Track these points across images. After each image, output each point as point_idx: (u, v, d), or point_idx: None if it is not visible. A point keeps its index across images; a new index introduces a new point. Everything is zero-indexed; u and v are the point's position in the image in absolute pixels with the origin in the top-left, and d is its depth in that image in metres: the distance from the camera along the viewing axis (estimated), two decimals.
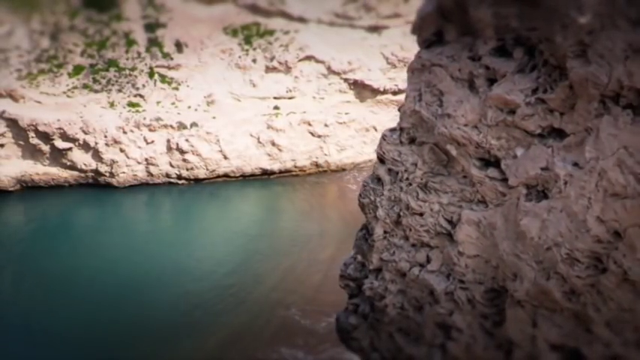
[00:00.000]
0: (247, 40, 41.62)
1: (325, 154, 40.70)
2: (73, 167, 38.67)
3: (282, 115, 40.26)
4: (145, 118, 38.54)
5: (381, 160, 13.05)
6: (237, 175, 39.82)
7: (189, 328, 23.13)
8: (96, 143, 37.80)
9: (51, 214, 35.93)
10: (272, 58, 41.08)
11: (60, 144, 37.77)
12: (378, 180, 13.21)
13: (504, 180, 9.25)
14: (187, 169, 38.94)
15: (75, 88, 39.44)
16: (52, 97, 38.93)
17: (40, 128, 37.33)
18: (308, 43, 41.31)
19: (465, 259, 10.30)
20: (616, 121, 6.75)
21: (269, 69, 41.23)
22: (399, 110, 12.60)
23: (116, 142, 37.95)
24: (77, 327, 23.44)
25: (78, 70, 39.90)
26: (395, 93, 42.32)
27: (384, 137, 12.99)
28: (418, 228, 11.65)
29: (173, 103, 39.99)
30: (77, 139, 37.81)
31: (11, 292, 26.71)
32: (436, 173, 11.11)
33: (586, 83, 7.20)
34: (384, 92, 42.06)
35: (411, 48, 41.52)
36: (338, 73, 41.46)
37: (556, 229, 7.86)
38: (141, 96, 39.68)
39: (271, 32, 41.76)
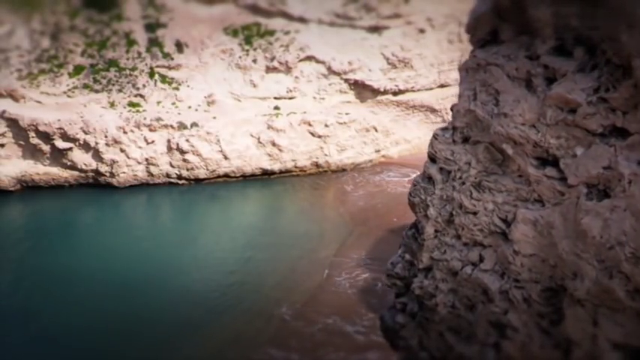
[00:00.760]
0: (248, 41, 41.64)
1: (325, 155, 40.70)
2: (73, 167, 38.69)
3: (283, 116, 40.27)
4: (145, 118, 38.55)
5: (433, 159, 13.11)
6: (238, 175, 39.83)
7: (189, 328, 23.13)
8: (96, 143, 37.81)
9: (51, 214, 35.94)
10: (272, 59, 41.09)
11: (60, 144, 37.78)
12: (429, 179, 13.27)
13: (563, 179, 9.24)
14: (188, 169, 38.95)
15: (75, 88, 39.46)
16: (52, 97, 38.95)
17: (41, 128, 37.34)
18: (308, 43, 41.32)
19: (521, 258, 10.30)
20: None
21: (269, 69, 41.24)
22: (451, 110, 12.63)
23: (116, 142, 37.97)
24: (77, 327, 23.44)
25: (78, 70, 39.93)
26: (395, 93, 42.33)
27: (435, 136, 13.05)
28: (471, 227, 11.68)
29: (173, 103, 40.01)
30: (77, 139, 37.83)
31: (11, 292, 26.70)
32: (490, 172, 11.14)
33: None
34: (385, 92, 42.05)
35: (411, 48, 41.70)
36: (338, 74, 41.46)
37: (619, 228, 7.84)
38: (141, 96, 39.70)
39: (272, 32, 41.77)
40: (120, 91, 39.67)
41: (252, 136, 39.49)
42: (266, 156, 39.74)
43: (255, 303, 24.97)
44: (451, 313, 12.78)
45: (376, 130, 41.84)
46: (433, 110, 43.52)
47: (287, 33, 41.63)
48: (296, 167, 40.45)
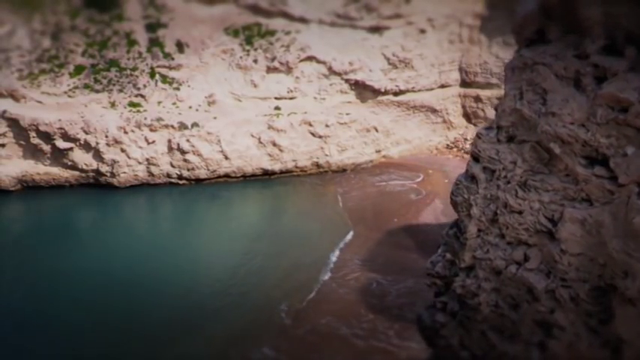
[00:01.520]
0: (248, 41, 41.65)
1: (326, 155, 40.70)
2: (73, 167, 38.71)
3: (283, 116, 40.28)
4: (145, 118, 38.57)
5: (476, 158, 13.14)
6: (238, 175, 39.83)
7: (189, 328, 23.14)
8: (97, 143, 37.84)
9: (52, 214, 35.94)
10: (273, 59, 41.10)
11: (61, 144, 37.81)
12: (472, 178, 13.30)
13: (612, 178, 9.21)
14: (188, 170, 38.96)
15: (76, 88, 39.50)
16: (53, 97, 38.99)
17: (41, 128, 37.37)
18: (309, 43, 41.33)
19: (568, 257, 10.29)
20: None
21: (270, 69, 41.26)
22: (495, 109, 12.64)
23: (117, 142, 37.98)
24: (77, 326, 23.44)
25: (79, 70, 39.96)
26: (396, 94, 42.34)
27: (479, 135, 13.07)
28: (516, 226, 11.69)
29: (174, 104, 40.03)
30: (78, 139, 37.85)
31: (11, 292, 26.71)
32: (537, 171, 11.15)
33: None
34: (385, 93, 42.06)
35: (412, 48, 41.71)
36: (339, 74, 41.47)
37: None
38: (142, 96, 39.72)
39: (272, 32, 41.78)
40: (120, 91, 39.70)
41: (252, 136, 39.50)
42: (267, 156, 39.74)
43: (255, 303, 24.96)
44: (494, 312, 12.78)
45: (377, 131, 41.84)
46: (434, 110, 43.52)
47: (288, 33, 41.64)
48: (297, 167, 40.45)
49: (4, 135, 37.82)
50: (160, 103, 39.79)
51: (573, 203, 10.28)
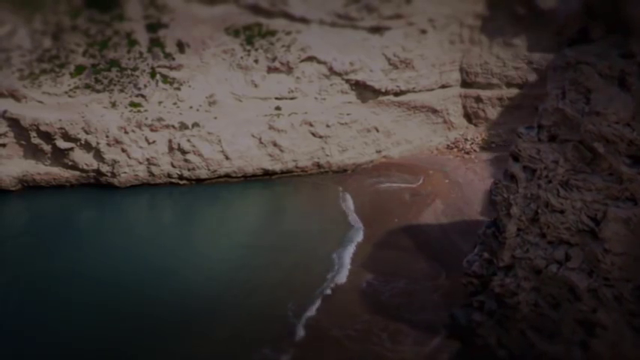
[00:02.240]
0: (249, 41, 41.62)
1: (327, 155, 40.67)
2: (74, 167, 38.70)
3: (284, 116, 40.25)
4: (146, 118, 38.56)
5: (515, 157, 13.12)
6: (239, 175, 39.80)
7: (190, 327, 23.13)
8: (97, 143, 37.83)
9: (52, 214, 35.93)
10: (274, 59, 41.08)
11: (61, 144, 37.81)
12: (512, 177, 13.28)
13: None
14: (189, 170, 38.94)
15: (77, 88, 39.49)
16: (53, 97, 38.98)
17: (42, 128, 37.37)
18: (310, 43, 41.29)
19: (611, 257, 10.26)
20: None
21: (271, 69, 41.22)
22: (536, 109, 12.59)
23: (118, 142, 37.98)
24: (77, 326, 23.45)
25: (80, 70, 39.94)
26: (396, 94, 42.29)
27: (519, 135, 13.05)
28: (558, 225, 11.66)
29: (175, 104, 40.02)
30: (79, 139, 37.84)
31: (10, 292, 26.69)
32: (579, 171, 11.12)
33: None
34: (386, 93, 42.00)
35: (413, 49, 41.65)
36: (340, 74, 41.43)
37: None
38: (142, 96, 39.70)
39: (273, 33, 41.74)
40: (121, 91, 39.68)
41: (253, 136, 39.48)
42: (267, 156, 39.72)
43: (255, 303, 24.95)
44: (534, 311, 12.75)
45: (377, 131, 41.80)
46: (434, 111, 43.46)
47: (288, 33, 41.60)
48: (297, 167, 40.42)
49: (4, 135, 37.82)
50: (160, 103, 39.77)
51: (617, 202, 10.23)
